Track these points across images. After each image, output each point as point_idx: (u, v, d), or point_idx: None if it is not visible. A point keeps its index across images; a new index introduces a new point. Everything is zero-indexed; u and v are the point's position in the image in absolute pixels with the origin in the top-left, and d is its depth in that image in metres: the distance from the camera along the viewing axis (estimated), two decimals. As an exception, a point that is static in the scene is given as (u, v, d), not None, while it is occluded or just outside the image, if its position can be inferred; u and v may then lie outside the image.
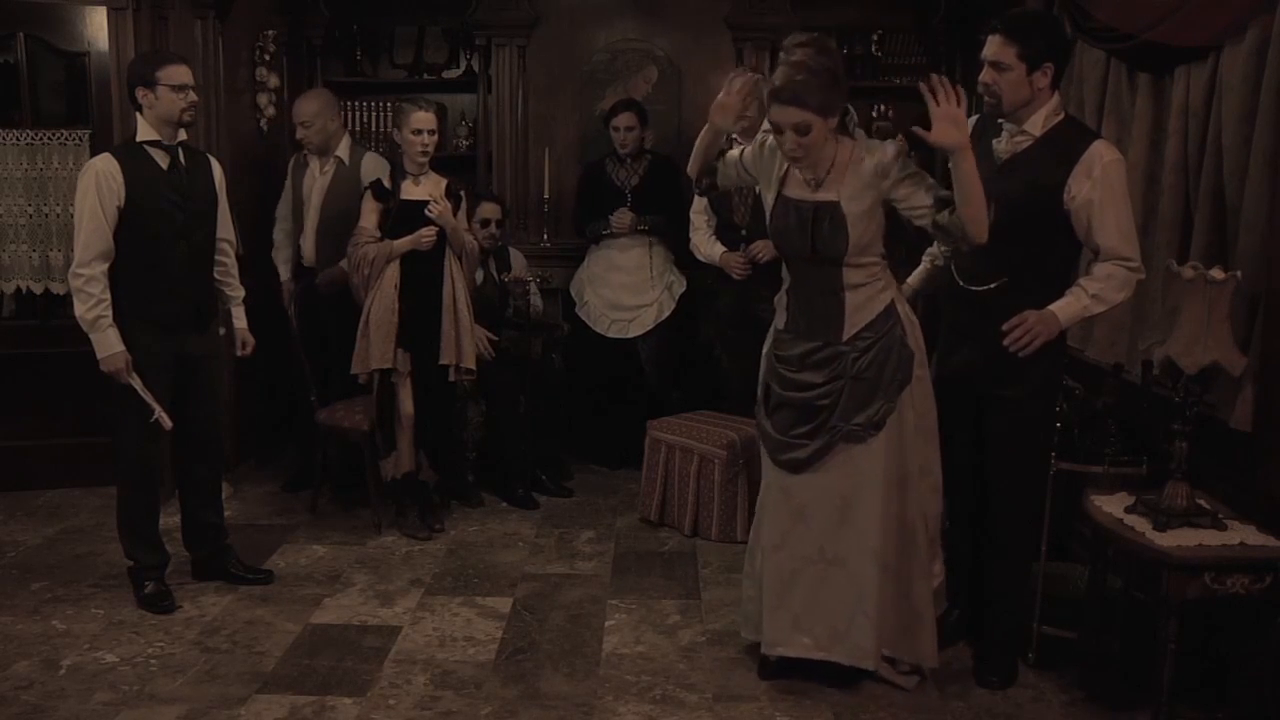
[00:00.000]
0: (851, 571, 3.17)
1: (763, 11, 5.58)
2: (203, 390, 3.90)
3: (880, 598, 3.16)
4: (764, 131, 4.52)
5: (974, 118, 3.46)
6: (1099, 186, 3.02)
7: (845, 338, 3.14)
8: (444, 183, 4.53)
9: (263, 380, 5.22)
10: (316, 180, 5.02)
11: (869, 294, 3.14)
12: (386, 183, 4.50)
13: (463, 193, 4.63)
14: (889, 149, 3.06)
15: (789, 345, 3.23)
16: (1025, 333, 3.05)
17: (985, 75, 3.12)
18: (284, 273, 5.17)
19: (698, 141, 3.36)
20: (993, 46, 3.10)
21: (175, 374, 3.80)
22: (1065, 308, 3.07)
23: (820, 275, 3.15)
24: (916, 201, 3.03)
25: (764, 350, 3.36)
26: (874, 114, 5.76)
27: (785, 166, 3.17)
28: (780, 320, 3.28)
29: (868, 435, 3.12)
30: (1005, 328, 3.07)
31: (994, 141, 3.22)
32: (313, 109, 4.91)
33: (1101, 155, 3.05)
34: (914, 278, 3.62)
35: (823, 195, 3.09)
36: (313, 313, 4.79)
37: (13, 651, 3.50)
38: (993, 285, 3.14)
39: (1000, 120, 3.19)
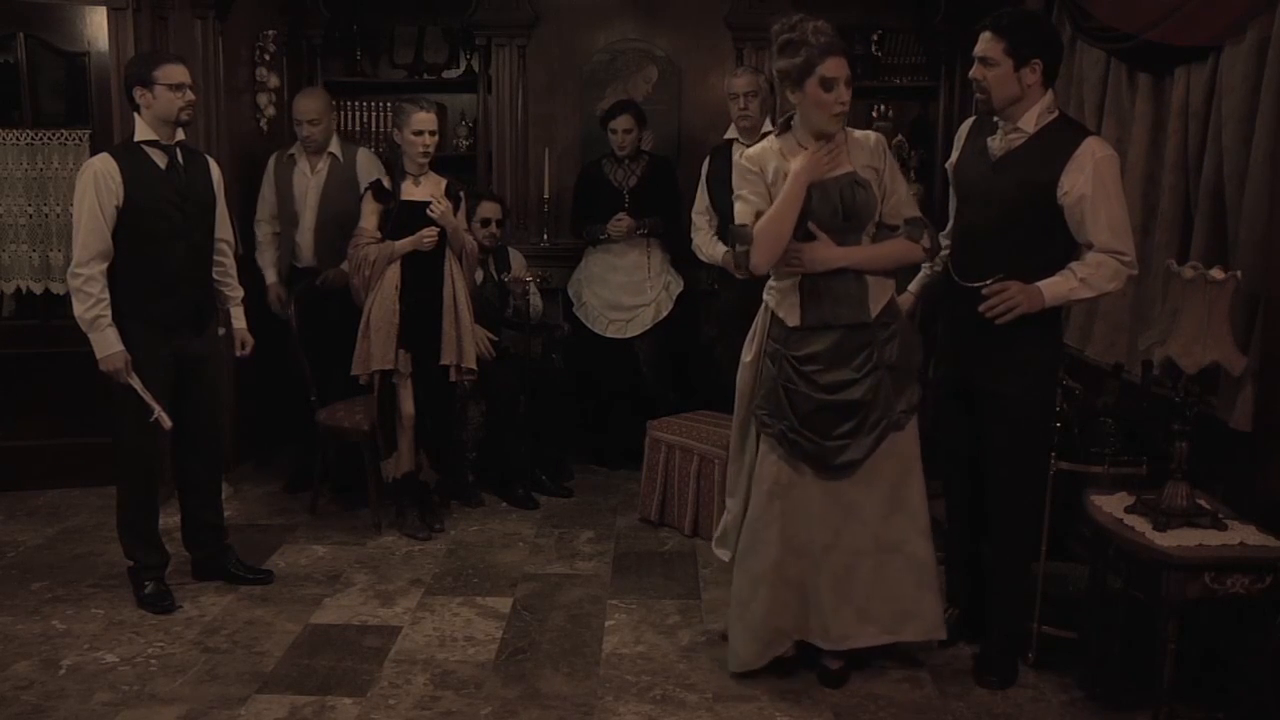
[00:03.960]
0: (908, 554, 3.28)
1: (763, 11, 5.55)
2: (202, 390, 3.89)
3: (936, 570, 3.33)
4: (743, 143, 4.51)
5: (970, 119, 3.48)
6: (1091, 182, 3.03)
7: (872, 316, 3.19)
8: (443, 183, 4.52)
9: (263, 380, 5.22)
10: (310, 179, 5.02)
11: (881, 274, 3.25)
12: (385, 181, 4.50)
13: (462, 193, 4.63)
14: (873, 134, 3.28)
15: (808, 342, 3.20)
16: (1004, 300, 3.07)
17: (975, 71, 3.16)
18: (270, 275, 5.11)
19: (783, 207, 3.11)
20: (982, 43, 3.15)
21: (174, 374, 3.79)
22: (1052, 285, 3.09)
23: None
24: (892, 207, 3.24)
25: (754, 355, 3.32)
26: (874, 114, 5.77)
27: (785, 162, 3.18)
28: (792, 317, 3.22)
29: (907, 421, 3.25)
30: (986, 292, 3.09)
31: (989, 140, 3.24)
32: (318, 106, 4.93)
33: (1094, 151, 3.06)
34: (914, 284, 3.64)
35: (840, 170, 3.19)
36: (313, 313, 4.79)
37: (13, 651, 3.51)
38: (989, 282, 3.14)
39: (995, 119, 3.21)
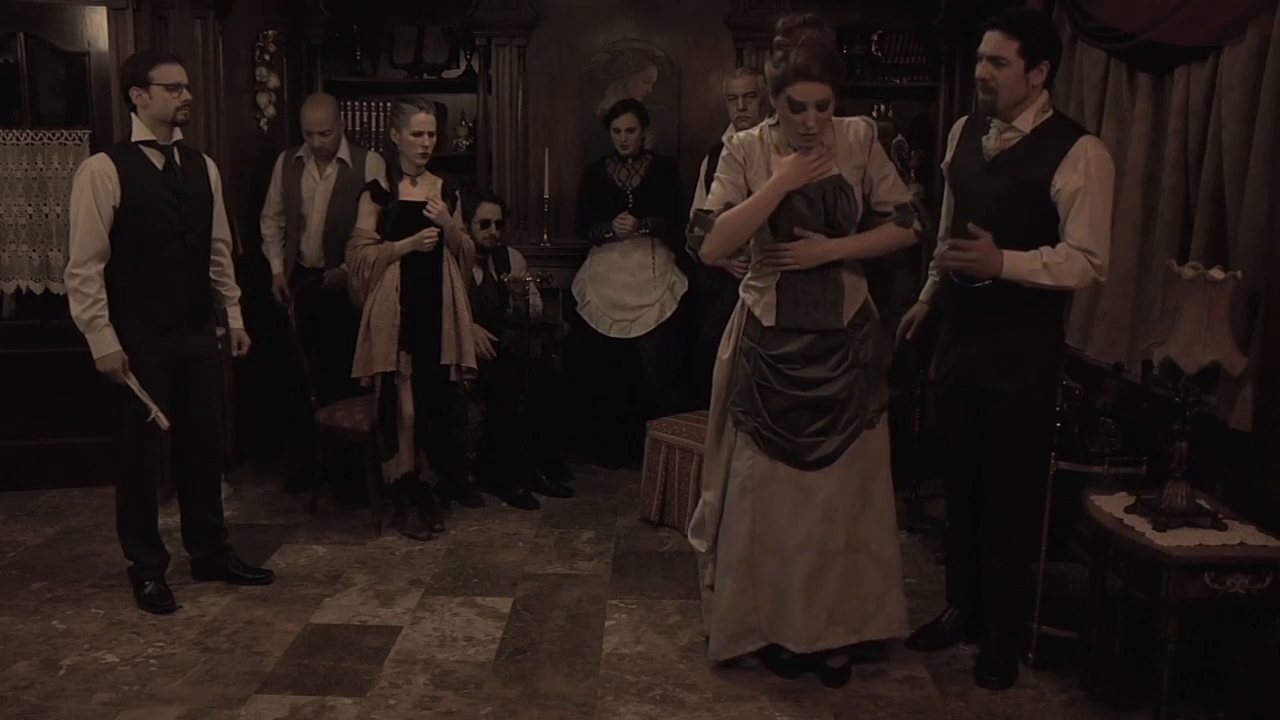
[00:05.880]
0: (876, 552, 3.29)
1: (763, 11, 5.56)
2: (200, 390, 3.89)
3: (901, 567, 3.35)
4: (733, 133, 4.49)
5: (963, 118, 3.47)
6: (1083, 179, 3.03)
7: (845, 322, 3.19)
8: (440, 183, 4.52)
9: (263, 380, 5.22)
10: (318, 184, 5.03)
11: (858, 277, 3.25)
12: (383, 181, 4.50)
13: (458, 192, 4.63)
14: (861, 124, 3.21)
15: (783, 342, 3.21)
16: (964, 257, 3.07)
17: (982, 70, 3.13)
18: (276, 265, 5.13)
19: (752, 210, 3.13)
20: (991, 42, 3.11)
21: (172, 374, 3.79)
22: (1015, 259, 3.06)
23: None
24: (881, 194, 3.22)
25: (731, 352, 3.32)
26: (874, 114, 5.76)
27: (769, 157, 3.18)
28: (768, 318, 3.23)
29: (879, 419, 3.26)
30: (951, 244, 3.13)
31: (983, 139, 3.24)
32: (328, 116, 4.93)
33: (1088, 150, 3.06)
34: (925, 293, 3.65)
35: (826, 174, 3.16)
36: (313, 313, 4.79)
37: (13, 651, 3.50)
38: (986, 281, 3.14)
39: (989, 118, 3.20)
